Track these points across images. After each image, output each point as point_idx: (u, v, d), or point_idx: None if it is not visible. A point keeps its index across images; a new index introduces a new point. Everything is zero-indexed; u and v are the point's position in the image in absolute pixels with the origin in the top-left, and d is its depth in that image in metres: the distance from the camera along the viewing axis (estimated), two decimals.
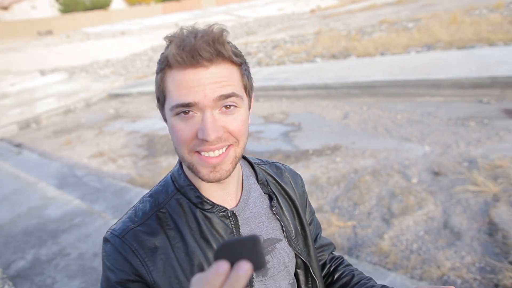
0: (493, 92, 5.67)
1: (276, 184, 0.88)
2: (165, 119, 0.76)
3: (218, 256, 0.42)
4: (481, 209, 3.16)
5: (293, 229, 0.84)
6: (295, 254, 0.83)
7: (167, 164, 5.78)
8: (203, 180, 0.70)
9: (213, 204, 0.75)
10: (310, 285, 0.85)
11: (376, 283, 0.87)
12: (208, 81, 0.64)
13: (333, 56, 10.35)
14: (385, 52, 9.35)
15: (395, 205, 3.42)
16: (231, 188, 0.78)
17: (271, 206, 0.82)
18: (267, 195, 0.84)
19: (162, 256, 0.71)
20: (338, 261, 0.99)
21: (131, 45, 22.55)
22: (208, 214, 0.75)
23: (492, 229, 2.92)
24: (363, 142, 4.94)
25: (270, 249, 0.78)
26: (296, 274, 0.85)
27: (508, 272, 2.46)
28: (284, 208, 0.85)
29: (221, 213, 0.75)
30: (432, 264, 2.70)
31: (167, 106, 0.70)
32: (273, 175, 0.89)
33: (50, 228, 3.88)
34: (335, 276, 0.94)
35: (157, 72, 0.71)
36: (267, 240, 0.79)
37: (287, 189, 0.89)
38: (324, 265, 0.97)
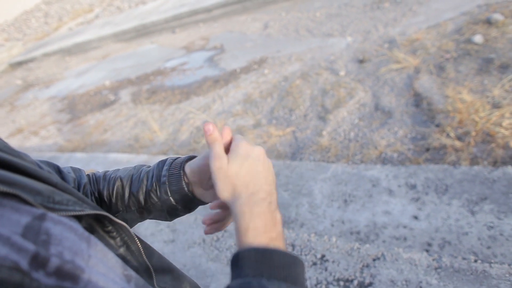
0: None
1: None
2: None
3: None
4: (405, 84, 3.27)
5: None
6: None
7: (95, 121, 5.37)
8: None
9: None
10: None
11: (150, 166, 0.73)
12: None
13: None
14: None
15: (328, 101, 3.45)
16: None
17: None
18: None
19: None
20: (93, 184, 0.72)
21: (17, 2, 19.58)
22: None
23: (417, 100, 3.05)
24: (287, 48, 4.82)
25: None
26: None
27: (436, 135, 2.62)
28: None
29: None
30: (370, 146, 2.81)
31: None
32: None
33: None
34: (104, 196, 0.71)
35: None
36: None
37: None
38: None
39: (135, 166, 0.74)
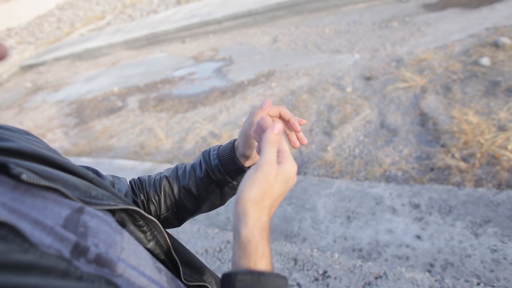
0: None
1: None
2: None
3: None
4: (412, 103, 3.29)
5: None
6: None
7: (102, 127, 5.42)
8: None
9: None
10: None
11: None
12: None
13: None
14: None
15: (334, 117, 3.47)
16: None
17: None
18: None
19: None
20: (137, 187, 0.77)
21: (31, 7, 19.94)
22: None
23: (423, 119, 3.07)
24: (295, 62, 4.87)
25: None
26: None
27: (441, 155, 2.63)
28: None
29: None
30: (374, 163, 2.82)
31: None
32: None
33: None
34: (152, 196, 0.76)
35: None
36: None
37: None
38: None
39: (176, 165, 0.80)
